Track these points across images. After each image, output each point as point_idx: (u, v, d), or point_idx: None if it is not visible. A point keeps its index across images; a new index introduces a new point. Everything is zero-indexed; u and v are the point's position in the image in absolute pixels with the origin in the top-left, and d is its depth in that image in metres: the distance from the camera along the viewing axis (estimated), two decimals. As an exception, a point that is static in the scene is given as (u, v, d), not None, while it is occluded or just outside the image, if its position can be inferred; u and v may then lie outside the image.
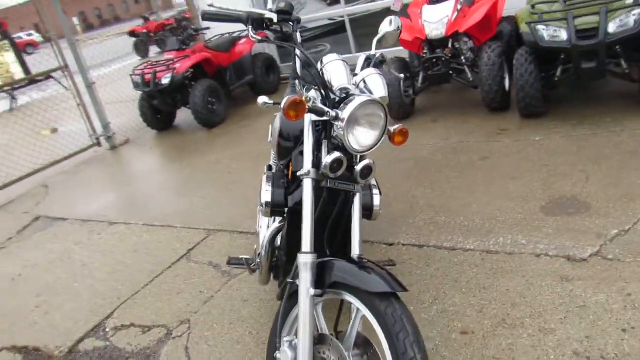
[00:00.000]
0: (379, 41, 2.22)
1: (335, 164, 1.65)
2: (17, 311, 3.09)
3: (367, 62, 2.05)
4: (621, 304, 2.09)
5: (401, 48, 4.78)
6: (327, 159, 1.65)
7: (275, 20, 1.81)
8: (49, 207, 4.76)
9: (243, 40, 6.64)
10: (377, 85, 1.81)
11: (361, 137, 1.69)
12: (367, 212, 1.96)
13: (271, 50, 7.34)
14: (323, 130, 1.77)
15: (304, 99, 1.59)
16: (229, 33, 6.91)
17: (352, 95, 1.70)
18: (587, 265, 2.35)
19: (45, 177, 5.60)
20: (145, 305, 2.86)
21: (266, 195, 1.88)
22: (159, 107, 6.10)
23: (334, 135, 1.70)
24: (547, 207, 2.87)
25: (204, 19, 1.77)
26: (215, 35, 7.00)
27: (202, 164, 4.95)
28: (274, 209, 1.90)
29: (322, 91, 1.69)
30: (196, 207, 3.97)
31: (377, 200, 1.96)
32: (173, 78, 5.66)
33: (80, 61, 5.79)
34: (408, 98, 4.69)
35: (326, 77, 1.73)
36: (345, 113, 1.62)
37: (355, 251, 1.75)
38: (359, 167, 1.72)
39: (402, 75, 2.28)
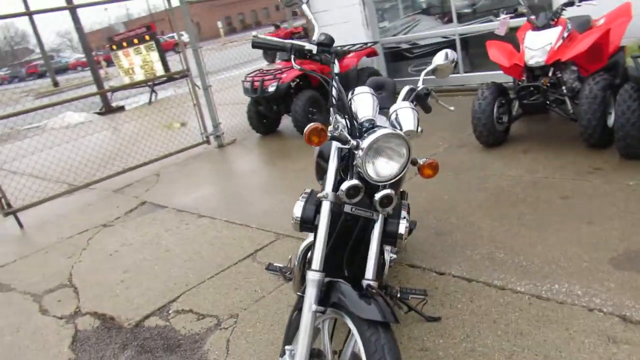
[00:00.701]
0: (433, 73, 2.25)
1: (352, 191, 1.74)
2: (107, 282, 3.56)
3: (410, 94, 2.09)
4: (666, 378, 1.89)
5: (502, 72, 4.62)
6: (344, 185, 1.74)
7: (315, 52, 1.94)
8: (155, 194, 5.35)
9: (351, 55, 6.83)
10: (407, 118, 1.86)
11: (380, 168, 1.76)
12: (392, 239, 2.00)
13: (379, 64, 7.46)
14: (349, 157, 1.86)
15: (330, 127, 1.71)
16: (339, 46, 7.15)
17: (377, 127, 1.78)
18: (641, 329, 2.15)
19: (160, 167, 6.26)
20: (206, 295, 3.14)
21: (297, 210, 2.00)
22: (264, 112, 6.51)
23: (355, 163, 1.78)
24: (617, 259, 2.65)
25: (253, 46, 1.96)
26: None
27: (290, 170, 5.22)
28: (303, 224, 2.01)
29: (348, 121, 1.79)
30: (273, 210, 4.22)
31: (402, 228, 1.99)
32: (278, 87, 6.03)
33: (200, 66, 6.39)
34: (501, 125, 4.52)
35: (353, 108, 1.82)
36: (364, 143, 1.71)
37: (368, 276, 1.81)
38: (377, 196, 1.78)
39: (452, 108, 2.28)
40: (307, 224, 2.03)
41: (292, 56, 1.97)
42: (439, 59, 2.22)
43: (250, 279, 3.22)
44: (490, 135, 4.45)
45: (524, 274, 2.70)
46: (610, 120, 3.91)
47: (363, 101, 1.83)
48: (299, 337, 1.70)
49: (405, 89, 2.17)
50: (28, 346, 2.98)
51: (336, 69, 1.98)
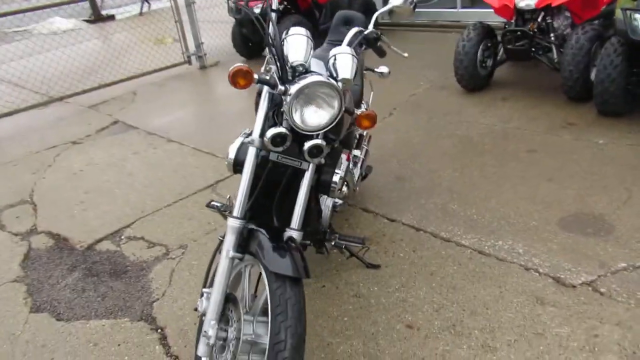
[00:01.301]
0: (389, 14, 2.10)
1: (278, 139, 1.67)
2: (66, 202, 3.55)
3: (357, 37, 1.96)
4: (581, 343, 1.93)
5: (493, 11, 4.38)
6: (269, 132, 1.66)
7: None
8: (128, 113, 5.23)
9: (345, -21, 6.47)
10: (345, 65, 1.75)
11: (308, 117, 1.67)
12: (325, 188, 1.95)
13: (375, -8, 7.08)
14: (281, 102, 1.77)
15: (262, 68, 1.61)
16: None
17: (309, 73, 1.68)
18: (571, 293, 2.17)
19: (137, 85, 6.09)
20: (160, 223, 3.14)
21: (232, 150, 1.92)
22: (248, 35, 6.25)
23: (282, 110, 1.69)
24: (565, 220, 2.63)
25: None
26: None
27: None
28: (236, 166, 1.95)
29: (278, 64, 1.68)
30: (242, 141, 4.14)
31: (336, 178, 1.93)
32: (262, 9, 5.73)
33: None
34: (484, 69, 4.36)
35: (285, 50, 1.70)
36: (292, 89, 1.62)
37: (293, 225, 1.78)
38: (306, 146, 1.71)
39: (405, 55, 2.14)
40: (241, 166, 1.97)
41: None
42: (396, 0, 2.07)
43: (204, 211, 3.20)
44: (471, 80, 4.30)
45: (471, 227, 2.69)
46: (593, 74, 3.76)
47: (296, 43, 1.71)
48: (215, 281, 1.70)
49: (353, 31, 2.04)
50: (-19, 260, 3.02)
51: (274, 4, 1.83)
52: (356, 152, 2.86)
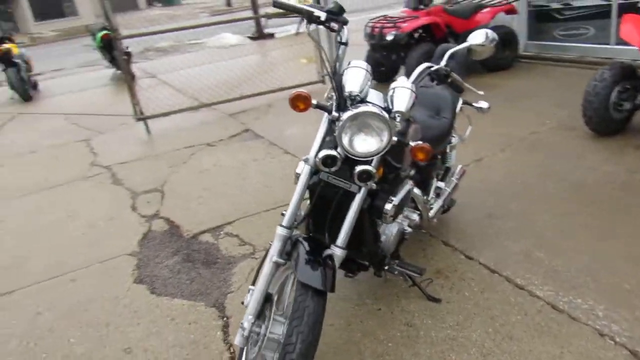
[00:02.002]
0: (468, 52, 2.12)
1: (329, 160, 1.81)
2: (187, 195, 4.06)
3: (423, 73, 2.02)
4: None
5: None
6: (320, 152, 1.81)
7: (322, 19, 1.95)
8: (259, 123, 5.75)
9: (486, 10, 6.35)
10: (401, 99, 1.83)
11: (357, 143, 1.79)
12: (378, 213, 2.02)
13: (519, 24, 6.81)
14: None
15: (325, 94, 1.78)
16: (477, -1, 6.69)
17: (364, 103, 1.79)
18: (643, 370, 1.95)
19: (274, 98, 6.62)
20: (256, 225, 3.44)
21: (299, 167, 2.10)
22: (381, 60, 6.44)
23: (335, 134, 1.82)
24: (665, 290, 2.34)
25: (274, 5, 2.02)
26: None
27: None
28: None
29: (335, 92, 1.82)
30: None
31: (388, 205, 2.00)
32: (396, 36, 5.89)
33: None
34: (620, 112, 3.99)
35: (343, 80, 1.83)
36: (344, 116, 1.75)
37: (338, 243, 1.90)
38: (356, 170, 1.82)
39: (481, 92, 2.09)
40: None
41: (305, 20, 2.00)
42: (476, 38, 2.08)
43: (297, 220, 3.43)
44: (601, 123, 3.96)
45: (552, 279, 2.52)
46: None
47: (354, 75, 1.83)
48: (258, 280, 1.88)
49: (421, 67, 2.09)
50: (112, 233, 3.60)
51: (343, 38, 1.97)
52: (440, 184, 2.87)
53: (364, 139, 1.79)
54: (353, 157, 1.81)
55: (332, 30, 1.97)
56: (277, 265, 1.88)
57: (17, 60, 8.92)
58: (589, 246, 2.73)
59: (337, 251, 1.90)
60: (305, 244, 1.85)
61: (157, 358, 2.33)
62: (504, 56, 6.48)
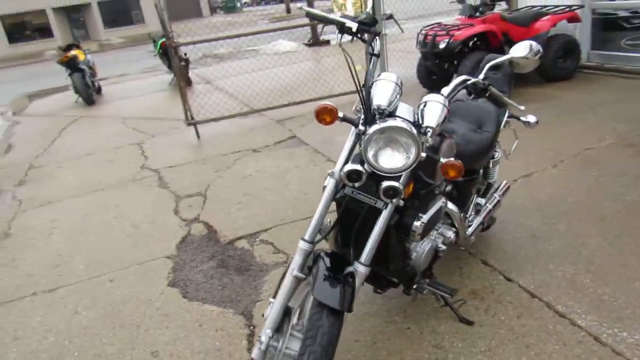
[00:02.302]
0: (510, 65, 2.01)
1: (354, 175, 1.76)
2: (228, 201, 4.11)
3: (460, 85, 1.93)
4: None
5: None
6: (345, 167, 1.77)
7: (354, 30, 1.90)
8: (305, 131, 5.75)
9: (546, 17, 6.08)
10: (432, 113, 1.76)
11: (383, 159, 1.73)
12: (405, 231, 1.96)
13: (582, 32, 6.48)
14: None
15: (354, 107, 1.74)
16: (541, 6, 6.43)
17: (392, 117, 1.73)
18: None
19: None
20: (291, 234, 3.43)
21: (326, 180, 2.08)
22: (432, 69, 6.31)
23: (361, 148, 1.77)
24: None
25: (306, 15, 2.00)
26: (525, 7, 6.60)
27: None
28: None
29: (363, 105, 1.77)
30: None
31: (417, 222, 1.92)
32: (449, 44, 5.75)
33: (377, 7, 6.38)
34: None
35: (372, 93, 1.78)
36: (370, 130, 1.70)
37: (362, 260, 1.85)
38: (382, 186, 1.76)
39: (522, 107, 1.96)
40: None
41: (337, 31, 1.96)
42: (518, 50, 1.97)
43: (333, 231, 3.39)
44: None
45: (596, 308, 2.35)
46: None
47: (382, 88, 1.78)
48: (278, 293, 1.86)
49: (458, 79, 2.00)
50: (153, 235, 3.70)
51: (375, 49, 1.92)
52: (481, 200, 2.75)
53: (391, 155, 1.73)
54: (379, 172, 1.75)
55: (363, 41, 1.93)
56: (297, 280, 1.84)
57: (82, 66, 9.40)
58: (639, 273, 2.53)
59: (360, 268, 1.85)
60: (327, 259, 1.80)
61: (181, 364, 2.35)
62: (564, 66, 6.19)
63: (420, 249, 2.22)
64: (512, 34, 6.05)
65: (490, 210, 2.78)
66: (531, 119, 2.85)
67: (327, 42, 13.78)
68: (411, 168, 1.74)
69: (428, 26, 6.30)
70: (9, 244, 3.87)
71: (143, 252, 3.43)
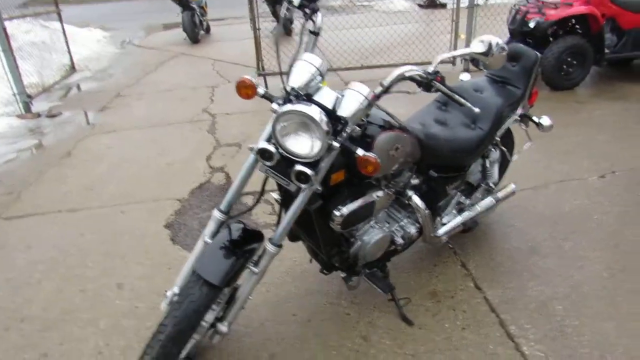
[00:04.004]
0: (472, 61, 1.81)
1: (266, 154, 1.74)
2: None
3: (400, 77, 1.77)
4: None
5: None
6: (259, 144, 1.75)
7: (296, 4, 1.81)
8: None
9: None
10: (348, 103, 1.67)
11: (291, 142, 1.69)
12: (328, 218, 1.91)
13: None
14: None
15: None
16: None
17: (306, 100, 1.67)
18: None
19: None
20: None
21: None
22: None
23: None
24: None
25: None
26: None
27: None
28: None
29: (283, 84, 1.72)
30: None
31: (336, 213, 1.87)
32: (538, 24, 5.18)
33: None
34: None
35: (290, 73, 1.71)
36: (279, 111, 1.66)
37: (273, 239, 1.85)
38: (294, 169, 1.72)
39: (477, 110, 1.72)
40: None
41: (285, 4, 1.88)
42: (476, 46, 1.76)
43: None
44: None
45: (552, 339, 2.14)
46: None
47: (298, 69, 1.70)
48: (189, 259, 1.94)
49: (400, 69, 1.82)
50: (179, 177, 3.92)
51: (314, 27, 1.82)
52: (464, 199, 2.57)
53: (300, 139, 1.67)
54: (288, 155, 1.71)
55: (305, 17, 1.85)
56: (206, 245, 1.90)
57: (193, 5, 9.90)
58: (623, 316, 2.23)
59: (269, 247, 1.85)
60: (225, 231, 1.83)
61: (139, 299, 2.55)
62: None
63: (367, 238, 2.14)
64: (621, 20, 5.29)
65: (478, 213, 2.58)
66: (545, 121, 2.57)
67: (444, 6, 13.04)
68: (318, 156, 1.67)
69: (530, 2, 5.70)
70: (66, 163, 4.36)
71: (161, 191, 3.69)
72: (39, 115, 5.83)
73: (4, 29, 5.66)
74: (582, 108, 4.82)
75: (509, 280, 2.50)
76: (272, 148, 1.72)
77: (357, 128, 1.75)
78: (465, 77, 2.78)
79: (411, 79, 1.80)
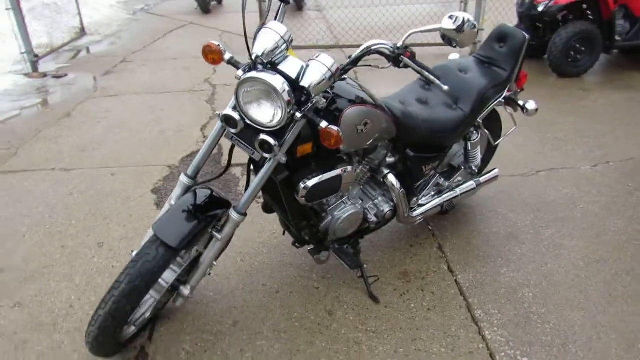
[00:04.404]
0: (443, 39, 1.77)
1: (231, 121, 1.73)
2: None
3: (367, 51, 1.75)
4: None
5: None
6: (225, 110, 1.74)
7: None
8: (371, 75, 5.55)
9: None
10: (311, 74, 1.65)
11: (254, 110, 1.68)
12: (293, 190, 1.91)
13: None
14: None
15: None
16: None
17: (273, 68, 1.66)
18: None
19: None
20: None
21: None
22: (526, 32, 5.60)
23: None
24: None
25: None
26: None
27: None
28: None
29: (248, 51, 1.70)
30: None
31: (301, 185, 1.86)
32: (547, 8, 5.05)
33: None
34: None
35: (255, 41, 1.69)
36: (241, 78, 1.65)
37: (238, 207, 1.86)
38: (258, 137, 1.72)
39: (446, 89, 1.69)
40: None
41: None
42: (446, 22, 1.72)
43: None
44: None
45: (515, 325, 2.14)
46: None
47: (262, 37, 1.67)
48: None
49: (367, 43, 1.80)
50: (171, 144, 3.94)
51: None
52: (443, 180, 2.55)
53: (258, 108, 1.67)
54: (251, 123, 1.71)
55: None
56: (169, 208, 1.91)
57: (211, -25, 9.80)
58: (592, 307, 2.21)
59: (233, 215, 1.86)
60: (190, 195, 1.84)
61: (116, 259, 2.59)
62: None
63: (339, 214, 2.15)
64: (634, 6, 5.14)
65: (456, 195, 2.56)
66: (530, 105, 2.53)
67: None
68: (279, 126, 1.66)
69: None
70: (64, 123, 4.40)
71: (152, 157, 3.71)
72: (45, 75, 5.86)
73: (14, -13, 5.66)
74: (586, 96, 4.72)
75: (482, 265, 2.50)
76: (236, 115, 1.72)
77: (323, 100, 1.73)
78: (454, 56, 2.73)
79: (379, 52, 1.78)
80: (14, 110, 4.75)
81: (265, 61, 1.66)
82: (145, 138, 4.05)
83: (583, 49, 5.06)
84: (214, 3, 10.34)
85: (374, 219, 2.31)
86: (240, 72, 1.70)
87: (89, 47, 7.30)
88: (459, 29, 1.70)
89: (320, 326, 2.15)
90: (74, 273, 2.50)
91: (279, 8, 1.88)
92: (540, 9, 5.14)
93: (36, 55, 5.99)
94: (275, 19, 1.84)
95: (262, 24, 1.73)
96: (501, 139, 2.76)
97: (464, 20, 1.70)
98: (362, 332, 2.12)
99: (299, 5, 9.79)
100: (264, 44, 1.66)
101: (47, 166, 3.60)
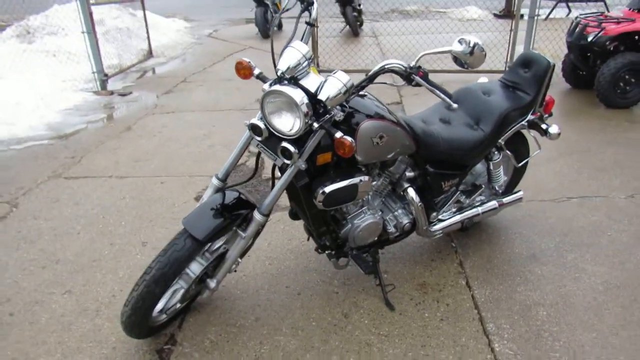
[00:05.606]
0: (455, 61, 1.91)
1: (257, 129, 1.94)
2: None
3: (382, 70, 1.91)
4: None
5: None
6: (252, 120, 1.95)
7: None
8: (416, 99, 5.70)
9: None
10: (328, 89, 1.82)
11: (276, 119, 1.87)
12: (311, 196, 2.07)
13: None
14: None
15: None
16: None
17: (295, 83, 1.85)
18: None
19: (446, 79, 6.41)
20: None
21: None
22: (576, 63, 5.59)
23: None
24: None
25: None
26: None
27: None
28: None
29: (275, 67, 1.90)
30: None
31: (319, 190, 2.02)
32: (597, 38, 5.04)
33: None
34: None
35: (280, 58, 1.89)
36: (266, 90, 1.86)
37: (261, 208, 2.05)
38: (280, 144, 1.90)
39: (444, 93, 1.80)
40: None
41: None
42: (455, 44, 1.86)
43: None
44: None
45: (526, 341, 2.18)
46: None
47: (286, 54, 1.87)
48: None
49: (382, 62, 1.95)
50: (218, 157, 4.22)
51: (309, 18, 1.99)
52: (464, 198, 2.64)
53: (279, 117, 1.86)
54: (274, 131, 1.90)
55: (301, 8, 2.02)
56: (199, 205, 2.12)
57: (267, 1, 10.32)
58: (606, 329, 2.22)
59: (257, 216, 2.04)
60: (218, 195, 2.04)
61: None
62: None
63: (358, 222, 2.29)
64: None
65: (477, 214, 2.64)
66: (553, 129, 2.60)
67: (521, 17, 12.66)
68: (297, 134, 1.84)
69: (586, 14, 5.55)
70: (125, 136, 4.80)
71: (199, 168, 4.00)
72: (112, 93, 6.39)
73: (90, 13, 6.23)
74: (632, 128, 4.64)
75: (500, 282, 2.55)
76: (261, 124, 1.93)
77: (340, 113, 1.90)
78: (482, 80, 2.84)
79: (393, 71, 1.94)
80: (81, 124, 5.23)
81: (288, 76, 1.86)
82: (194, 151, 4.36)
83: (633, 80, 4.99)
84: (274, 28, 10.84)
85: (393, 230, 2.43)
86: (266, 86, 1.90)
87: (155, 68, 7.87)
88: (468, 51, 1.84)
89: (335, 327, 2.29)
90: (118, 267, 2.76)
91: (305, 30, 2.08)
92: (589, 39, 5.13)
93: (106, 75, 6.54)
94: (302, 39, 2.04)
95: (288, 44, 1.93)
96: (524, 161, 2.82)
97: (471, 43, 1.83)
98: (374, 335, 2.23)
99: (355, 32, 10.10)
100: (287, 61, 1.87)
101: (105, 174, 3.95)
